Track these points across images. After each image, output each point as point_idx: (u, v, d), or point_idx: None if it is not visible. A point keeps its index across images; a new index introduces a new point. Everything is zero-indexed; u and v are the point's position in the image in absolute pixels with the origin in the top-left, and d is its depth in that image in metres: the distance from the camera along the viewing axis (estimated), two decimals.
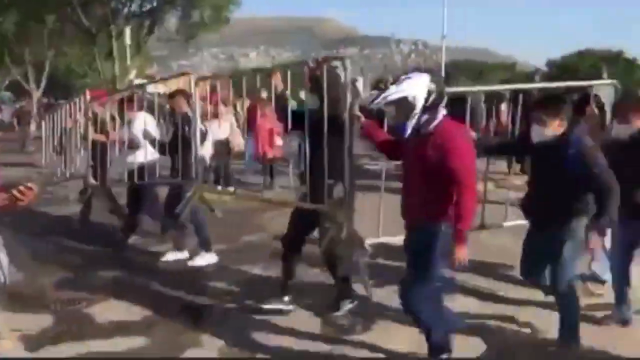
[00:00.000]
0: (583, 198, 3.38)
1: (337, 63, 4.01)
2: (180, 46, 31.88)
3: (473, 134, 3.89)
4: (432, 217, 3.09)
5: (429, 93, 3.05)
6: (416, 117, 3.05)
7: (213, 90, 6.17)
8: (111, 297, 4.49)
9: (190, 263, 5.36)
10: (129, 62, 26.08)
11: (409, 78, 3.12)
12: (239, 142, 10.00)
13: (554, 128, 3.40)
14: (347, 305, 4.10)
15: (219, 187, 9.05)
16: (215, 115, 10.27)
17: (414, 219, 3.22)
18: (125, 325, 4.02)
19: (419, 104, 3.03)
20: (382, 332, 3.82)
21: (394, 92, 3.08)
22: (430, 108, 3.05)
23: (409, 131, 3.09)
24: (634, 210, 3.69)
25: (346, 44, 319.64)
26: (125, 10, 27.02)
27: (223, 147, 9.64)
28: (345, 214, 3.86)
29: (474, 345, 3.61)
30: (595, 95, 5.71)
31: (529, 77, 28.30)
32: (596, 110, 5.27)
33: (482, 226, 6.30)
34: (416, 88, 3.05)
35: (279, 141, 9.14)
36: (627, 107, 3.84)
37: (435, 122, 3.06)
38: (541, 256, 3.61)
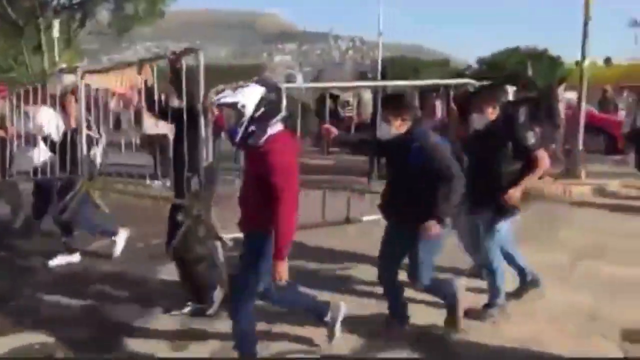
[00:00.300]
0: (432, 193, 3.46)
1: (191, 55, 4.04)
2: (113, 40, 30.89)
3: (335, 131, 3.95)
4: (261, 225, 3.12)
5: (259, 105, 3.05)
6: (244, 126, 3.06)
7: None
8: (38, 293, 4.53)
9: (114, 255, 5.45)
10: (57, 56, 25.07)
11: (246, 86, 3.14)
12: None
13: (396, 126, 3.58)
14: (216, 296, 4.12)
15: (154, 183, 9.04)
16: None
17: (247, 225, 3.26)
18: (58, 318, 4.09)
19: (247, 113, 3.04)
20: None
21: (227, 96, 3.11)
22: (259, 120, 3.05)
23: (238, 137, 3.11)
24: (489, 201, 3.90)
25: (285, 40, 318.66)
26: (55, 2, 25.93)
27: (162, 141, 9.58)
28: (202, 206, 3.90)
29: (346, 337, 3.69)
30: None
31: (459, 74, 29.41)
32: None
33: (348, 220, 6.46)
34: (248, 97, 3.05)
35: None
36: (481, 98, 4.14)
37: (265, 136, 3.07)
38: (395, 252, 3.76)
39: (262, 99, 3.05)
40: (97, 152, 5.60)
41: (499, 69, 31.37)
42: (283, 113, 3.15)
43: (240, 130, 3.07)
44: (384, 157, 3.94)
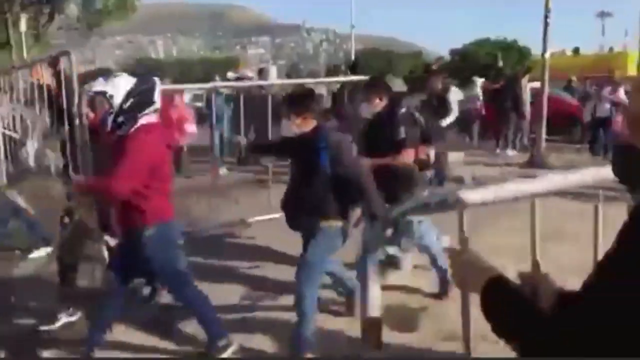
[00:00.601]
0: (336, 196, 3.36)
1: (64, 57, 4.07)
2: (83, 34, 30.47)
3: (243, 141, 4.01)
4: (138, 221, 3.08)
5: (129, 96, 3.06)
6: (112, 115, 3.07)
7: None
8: None
9: None
10: (25, 51, 24.67)
11: (118, 76, 3.18)
12: None
13: (297, 124, 3.43)
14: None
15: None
16: None
17: (124, 221, 3.17)
18: None
19: (116, 103, 3.05)
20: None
21: (97, 85, 3.13)
22: (127, 112, 3.06)
23: (108, 126, 3.10)
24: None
25: (258, 32, 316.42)
26: None
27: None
28: (82, 210, 3.88)
29: (264, 340, 3.64)
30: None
31: (427, 66, 29.80)
32: None
33: (243, 221, 6.41)
34: (116, 88, 3.07)
35: (190, 128, 9.22)
36: (370, 89, 4.29)
37: (133, 127, 3.06)
38: None
39: (131, 90, 3.07)
40: (29, 152, 5.51)
41: (471, 60, 31.88)
42: (156, 105, 3.14)
43: (110, 120, 3.07)
44: (289, 155, 3.79)
